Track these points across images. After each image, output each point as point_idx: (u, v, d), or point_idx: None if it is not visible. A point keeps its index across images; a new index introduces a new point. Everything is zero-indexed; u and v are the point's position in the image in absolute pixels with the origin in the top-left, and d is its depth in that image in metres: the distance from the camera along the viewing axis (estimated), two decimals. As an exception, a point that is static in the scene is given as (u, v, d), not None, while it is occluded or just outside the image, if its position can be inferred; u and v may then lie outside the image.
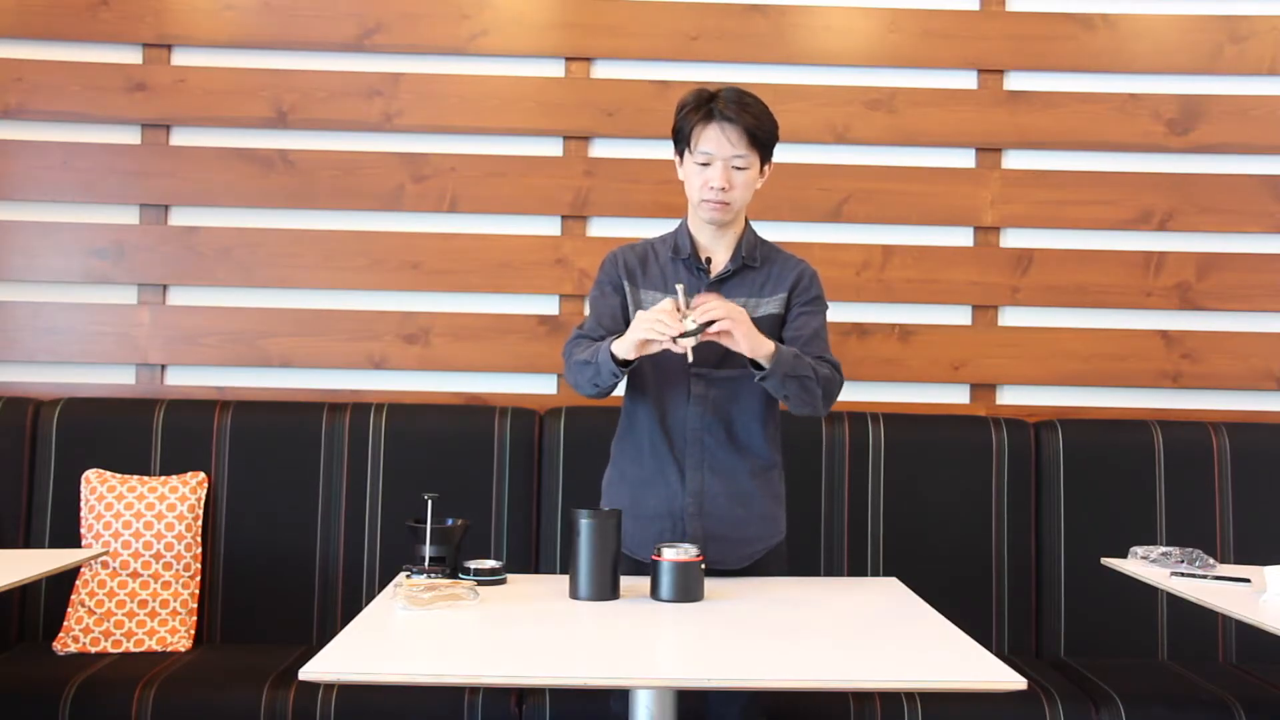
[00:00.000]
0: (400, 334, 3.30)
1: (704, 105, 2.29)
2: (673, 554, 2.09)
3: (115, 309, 3.29)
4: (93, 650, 2.83)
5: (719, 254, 2.38)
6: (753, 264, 2.37)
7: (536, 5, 3.34)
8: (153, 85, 3.30)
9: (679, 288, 2.19)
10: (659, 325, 2.13)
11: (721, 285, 2.35)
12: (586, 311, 2.47)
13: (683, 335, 2.12)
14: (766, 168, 2.35)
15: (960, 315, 3.35)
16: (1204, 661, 2.98)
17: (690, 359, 2.18)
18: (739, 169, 2.28)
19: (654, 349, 2.17)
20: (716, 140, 2.27)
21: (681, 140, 2.33)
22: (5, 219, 3.29)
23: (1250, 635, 2.91)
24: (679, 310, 2.15)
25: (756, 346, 2.18)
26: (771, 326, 2.35)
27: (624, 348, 2.19)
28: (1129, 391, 3.34)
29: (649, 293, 2.37)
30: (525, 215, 3.33)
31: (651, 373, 2.37)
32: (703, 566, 2.11)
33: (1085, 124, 3.34)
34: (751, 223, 2.44)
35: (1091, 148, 3.35)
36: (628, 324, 2.34)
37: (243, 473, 3.05)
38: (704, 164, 2.29)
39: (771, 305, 2.36)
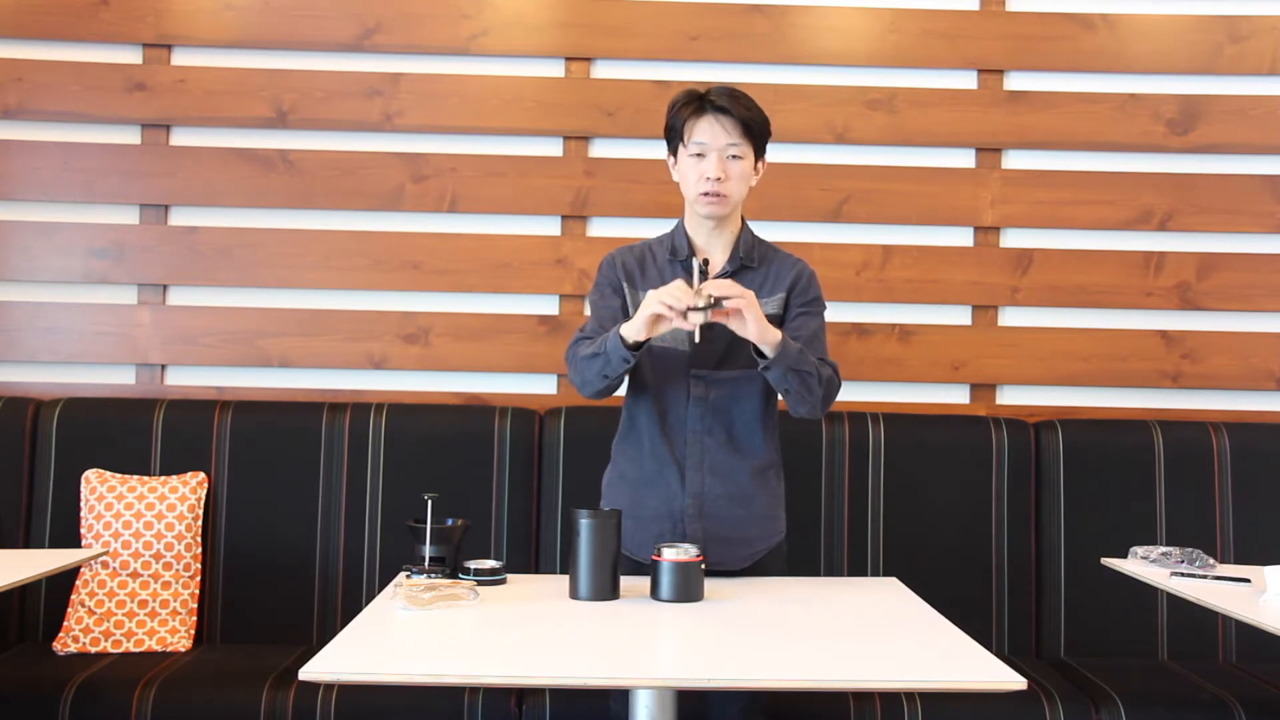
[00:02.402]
0: (400, 334, 3.30)
1: (695, 100, 2.30)
2: (673, 554, 2.09)
3: (115, 309, 3.29)
4: (93, 650, 2.83)
5: (716, 254, 2.38)
6: (751, 264, 2.37)
7: (536, 5, 3.34)
8: (153, 85, 3.30)
9: (695, 261, 2.18)
10: (670, 299, 2.12)
11: None
12: (587, 313, 2.47)
13: (693, 310, 2.11)
14: (760, 163, 2.35)
15: (960, 315, 3.35)
16: (1204, 661, 2.98)
17: (697, 338, 2.18)
18: (734, 158, 2.29)
19: (664, 327, 2.17)
20: (710, 130, 2.28)
21: (675, 136, 2.33)
22: (5, 219, 3.29)
23: (1250, 635, 2.90)
24: (692, 288, 2.14)
25: (764, 333, 2.17)
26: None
27: (634, 329, 2.18)
28: (1129, 391, 3.34)
29: (647, 294, 2.37)
30: (525, 215, 3.33)
31: (651, 373, 2.37)
32: (703, 567, 2.11)
33: (1085, 124, 3.34)
34: (752, 223, 2.44)
35: (1091, 148, 3.35)
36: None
37: (243, 473, 3.05)
38: (699, 155, 2.29)
39: (770, 305, 2.36)
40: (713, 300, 2.11)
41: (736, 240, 2.38)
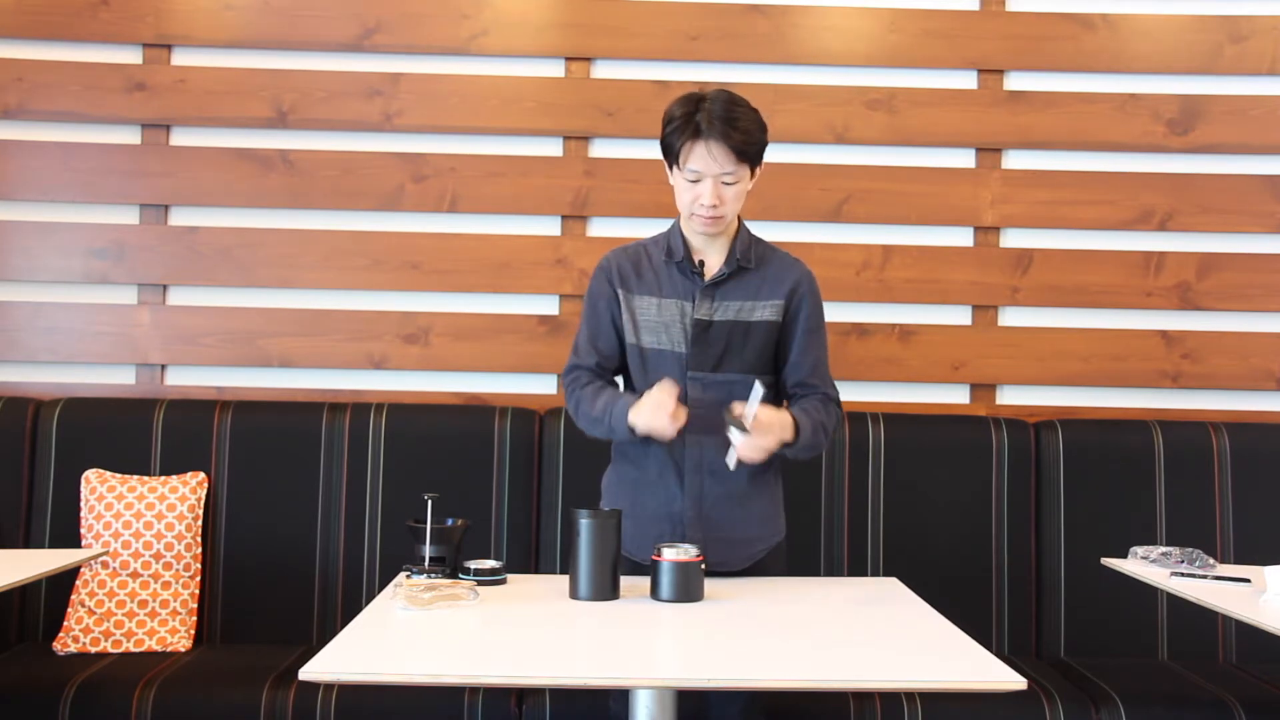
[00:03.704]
0: (400, 334, 3.30)
1: (691, 121, 2.24)
2: (673, 554, 2.09)
3: (115, 309, 3.29)
4: (93, 650, 2.83)
5: (712, 257, 2.36)
6: (748, 264, 2.36)
7: (536, 5, 3.34)
8: (153, 85, 3.30)
9: (730, 420, 2.21)
10: (658, 425, 2.21)
11: (717, 289, 2.34)
12: (580, 332, 2.44)
13: (734, 429, 2.19)
14: (757, 170, 2.33)
15: (960, 315, 3.35)
16: (1204, 661, 2.98)
17: (732, 466, 2.24)
18: (729, 184, 2.26)
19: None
20: (704, 160, 2.24)
21: (670, 155, 2.30)
22: (5, 219, 3.29)
23: (1250, 635, 2.91)
24: (678, 408, 2.20)
25: (785, 438, 2.26)
26: (767, 333, 2.34)
27: (638, 424, 2.25)
28: (1129, 391, 3.34)
29: (643, 298, 2.36)
30: (525, 215, 3.33)
31: (649, 376, 2.35)
32: (703, 567, 2.11)
33: (1085, 124, 3.34)
34: (752, 223, 2.43)
35: (1091, 148, 3.35)
36: (619, 335, 2.38)
37: (243, 473, 3.05)
38: (693, 180, 2.27)
39: (768, 311, 2.35)
40: (745, 427, 2.19)
41: (733, 242, 2.37)
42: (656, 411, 2.20)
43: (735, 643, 1.89)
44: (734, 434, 2.19)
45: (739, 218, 2.39)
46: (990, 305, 3.34)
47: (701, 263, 2.36)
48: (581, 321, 2.45)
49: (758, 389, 2.20)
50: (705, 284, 2.34)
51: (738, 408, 2.20)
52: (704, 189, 2.25)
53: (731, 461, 2.23)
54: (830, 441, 2.41)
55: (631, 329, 2.36)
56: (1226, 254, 3.34)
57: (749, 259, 2.36)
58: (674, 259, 2.36)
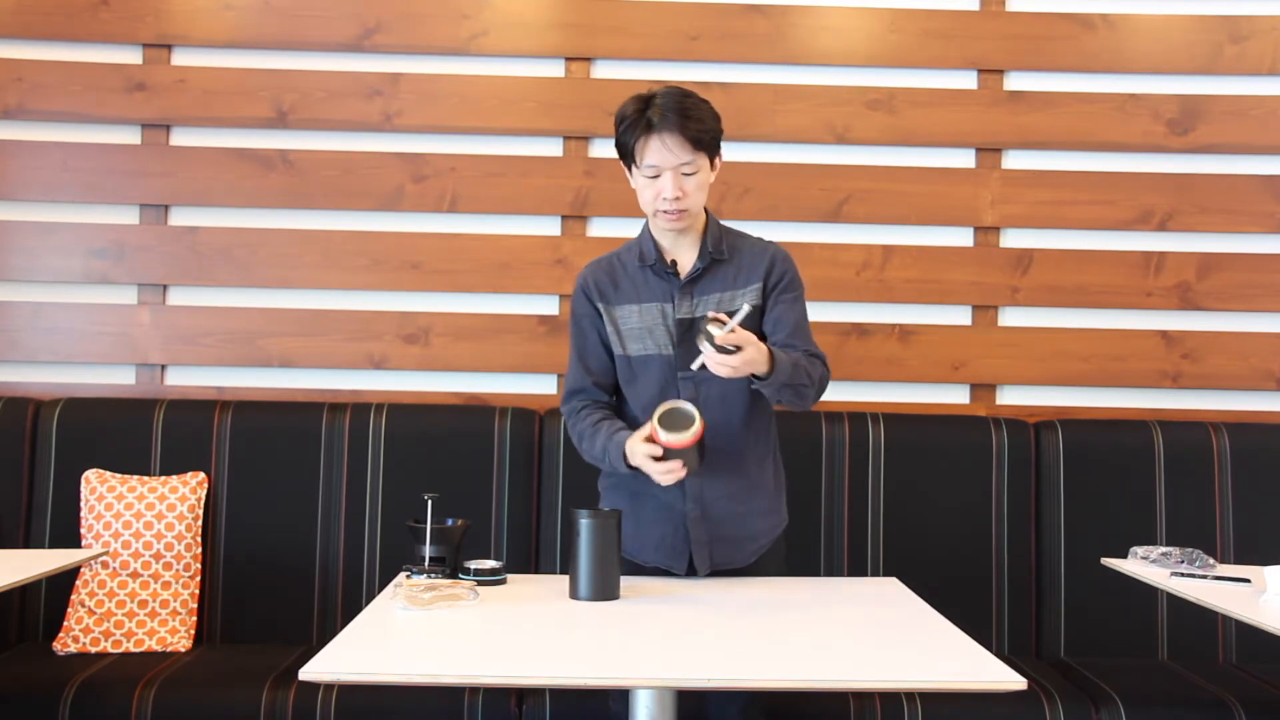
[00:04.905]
0: (400, 334, 3.30)
1: (643, 118, 2.23)
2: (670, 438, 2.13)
3: (115, 309, 3.29)
4: (93, 650, 2.83)
5: (684, 254, 2.35)
6: (721, 257, 2.34)
7: (536, 5, 3.34)
8: (153, 85, 3.31)
9: (708, 325, 2.15)
10: (660, 479, 2.18)
11: (694, 285, 2.32)
12: (570, 356, 2.42)
13: (712, 333, 2.10)
14: (717, 161, 2.31)
15: (960, 315, 3.36)
16: (1204, 661, 2.98)
17: (693, 367, 2.17)
18: (689, 175, 2.24)
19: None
20: (660, 152, 2.22)
21: (627, 155, 2.28)
22: (5, 219, 3.29)
23: (1250, 635, 2.91)
24: (717, 339, 2.11)
25: (757, 366, 2.14)
26: (752, 320, 2.33)
27: (635, 461, 2.21)
28: (1129, 391, 3.34)
29: (623, 307, 2.35)
30: (525, 215, 3.33)
31: (639, 383, 2.35)
32: (702, 440, 2.15)
33: (1085, 124, 3.35)
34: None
35: (1091, 148, 3.35)
36: (608, 351, 2.36)
37: (243, 473, 3.05)
38: (653, 176, 2.25)
39: (748, 297, 2.32)
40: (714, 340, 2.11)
41: (703, 236, 2.35)
42: (663, 478, 2.18)
43: (735, 643, 1.89)
44: (704, 344, 2.10)
45: (706, 210, 2.37)
46: (990, 305, 3.34)
47: (674, 262, 2.35)
48: (570, 345, 2.43)
49: (745, 309, 2.14)
50: (682, 282, 2.33)
51: (722, 316, 2.14)
52: (664, 183, 2.24)
53: (695, 365, 2.14)
54: (819, 393, 2.31)
55: (617, 340, 2.35)
56: (1226, 254, 3.34)
57: (721, 250, 2.34)
58: (647, 263, 2.34)
